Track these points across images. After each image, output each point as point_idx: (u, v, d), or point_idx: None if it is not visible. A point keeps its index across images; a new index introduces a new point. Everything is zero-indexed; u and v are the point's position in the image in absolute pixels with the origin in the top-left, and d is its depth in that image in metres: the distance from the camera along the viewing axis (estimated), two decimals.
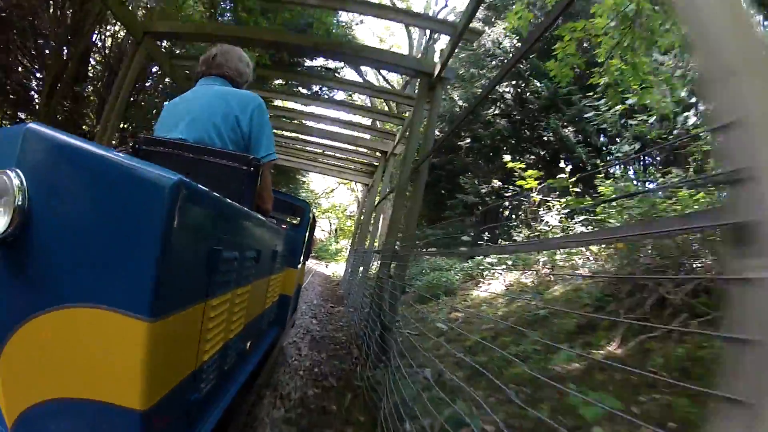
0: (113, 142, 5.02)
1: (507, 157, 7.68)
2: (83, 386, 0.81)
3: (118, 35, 8.21)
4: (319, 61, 10.60)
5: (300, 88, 10.19)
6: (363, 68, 14.56)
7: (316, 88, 10.62)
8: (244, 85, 1.98)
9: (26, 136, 0.82)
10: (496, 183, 11.27)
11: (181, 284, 0.94)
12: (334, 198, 33.79)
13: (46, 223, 0.82)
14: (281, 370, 3.38)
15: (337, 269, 16.85)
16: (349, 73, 15.75)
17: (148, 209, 0.80)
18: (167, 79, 8.35)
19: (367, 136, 10.05)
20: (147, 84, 8.79)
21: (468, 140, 12.64)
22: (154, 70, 8.57)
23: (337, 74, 10.59)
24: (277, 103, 11.22)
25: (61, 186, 0.82)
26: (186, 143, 1.63)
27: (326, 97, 10.61)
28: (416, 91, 5.61)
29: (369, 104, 15.95)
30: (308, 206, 3.56)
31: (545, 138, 10.22)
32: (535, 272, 5.09)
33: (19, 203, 0.80)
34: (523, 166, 6.70)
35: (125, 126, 7.85)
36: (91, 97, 8.15)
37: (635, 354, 2.70)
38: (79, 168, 0.82)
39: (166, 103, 1.85)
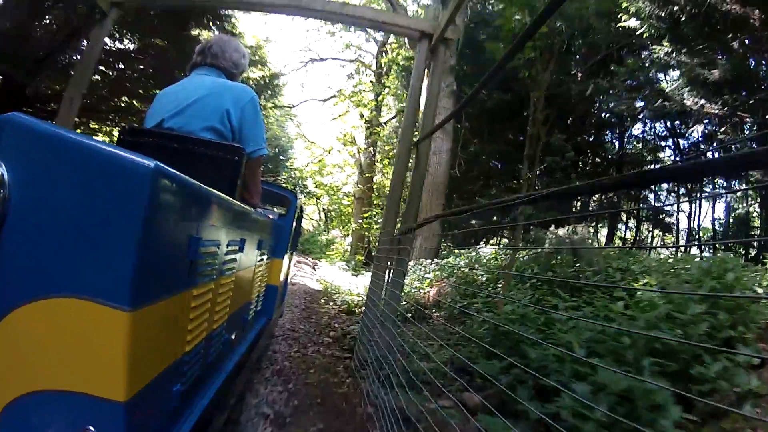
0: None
1: None
2: (66, 378, 0.80)
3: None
4: None
5: None
6: None
7: None
8: (239, 77, 1.98)
9: (5, 125, 0.80)
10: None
11: (161, 274, 0.92)
12: (330, 174, 22.41)
13: (25, 213, 0.80)
14: None
15: (330, 274, 10.69)
16: None
17: (126, 197, 0.79)
18: None
19: None
20: None
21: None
22: None
23: None
24: None
25: (40, 175, 0.80)
26: (170, 133, 1.61)
27: None
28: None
29: None
30: (295, 196, 3.58)
31: None
32: None
33: (0, 193, 0.77)
34: None
35: None
36: None
37: None
38: (58, 156, 0.81)
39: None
